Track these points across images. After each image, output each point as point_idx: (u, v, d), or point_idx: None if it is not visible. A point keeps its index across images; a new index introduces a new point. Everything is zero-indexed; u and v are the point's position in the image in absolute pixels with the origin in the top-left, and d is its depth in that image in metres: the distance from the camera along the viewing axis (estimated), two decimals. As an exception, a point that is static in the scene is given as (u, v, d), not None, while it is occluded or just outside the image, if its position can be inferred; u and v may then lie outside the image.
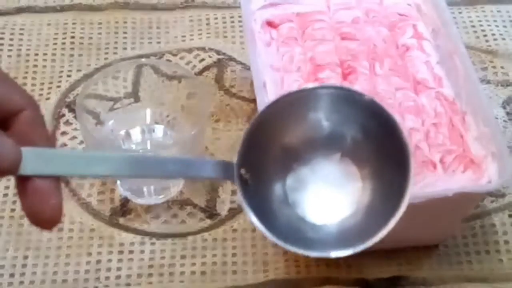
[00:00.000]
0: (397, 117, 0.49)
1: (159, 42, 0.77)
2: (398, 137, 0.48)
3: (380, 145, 0.49)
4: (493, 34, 0.78)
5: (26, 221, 0.63)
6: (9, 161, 0.42)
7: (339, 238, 0.49)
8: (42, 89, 0.73)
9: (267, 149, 0.50)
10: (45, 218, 0.43)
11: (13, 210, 0.65)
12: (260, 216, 0.47)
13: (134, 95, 0.67)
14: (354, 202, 0.50)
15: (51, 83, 0.74)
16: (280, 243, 0.47)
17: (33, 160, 0.43)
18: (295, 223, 0.50)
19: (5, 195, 0.66)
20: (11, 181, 0.66)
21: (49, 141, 0.45)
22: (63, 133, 0.70)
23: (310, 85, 0.50)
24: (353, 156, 0.50)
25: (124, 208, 0.65)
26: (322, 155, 0.51)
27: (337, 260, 0.61)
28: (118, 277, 0.61)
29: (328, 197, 0.51)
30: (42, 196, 0.43)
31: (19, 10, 0.80)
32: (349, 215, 0.50)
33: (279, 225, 0.49)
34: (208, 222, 0.64)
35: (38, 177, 0.43)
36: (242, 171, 0.48)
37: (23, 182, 0.43)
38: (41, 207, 0.43)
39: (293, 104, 0.50)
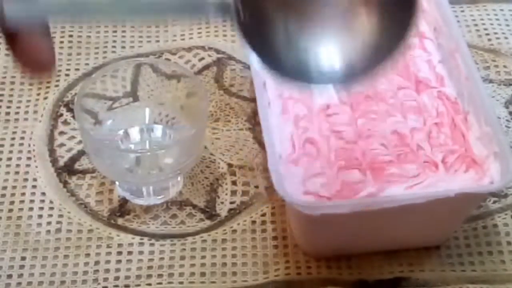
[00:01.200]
0: None
1: (158, 41, 0.77)
2: None
3: None
4: (496, 33, 0.78)
5: (23, 222, 0.63)
6: None
7: (345, 77, 0.48)
8: (40, 88, 0.73)
9: None
10: (41, 60, 0.42)
11: (10, 210, 0.64)
12: (263, 61, 0.46)
13: (133, 95, 0.67)
14: (361, 39, 0.48)
15: (49, 82, 0.73)
16: (284, 78, 0.46)
17: (16, 6, 0.42)
18: (299, 66, 0.48)
19: (3, 195, 0.65)
20: (8, 181, 0.66)
21: None
22: (61, 133, 0.69)
23: None
24: None
25: (123, 208, 0.65)
26: None
27: (338, 261, 0.60)
28: (116, 278, 0.60)
29: (333, 36, 0.49)
30: (33, 40, 0.42)
31: (17, 9, 0.79)
32: (357, 52, 0.48)
33: (282, 69, 0.47)
34: (208, 223, 0.64)
35: (24, 23, 0.42)
36: (240, 10, 0.46)
37: (11, 34, 0.42)
38: (35, 51, 0.42)
39: None
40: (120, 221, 0.64)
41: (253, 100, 0.69)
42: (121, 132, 0.66)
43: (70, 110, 0.71)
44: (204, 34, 0.77)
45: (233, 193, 0.65)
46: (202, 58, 0.75)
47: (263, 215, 0.64)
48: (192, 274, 0.61)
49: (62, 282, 0.60)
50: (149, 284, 0.60)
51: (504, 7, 0.80)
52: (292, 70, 0.47)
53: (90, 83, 0.64)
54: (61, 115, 0.71)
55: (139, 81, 0.67)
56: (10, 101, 0.72)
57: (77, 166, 0.67)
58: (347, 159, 0.59)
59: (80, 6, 0.43)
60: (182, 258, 0.62)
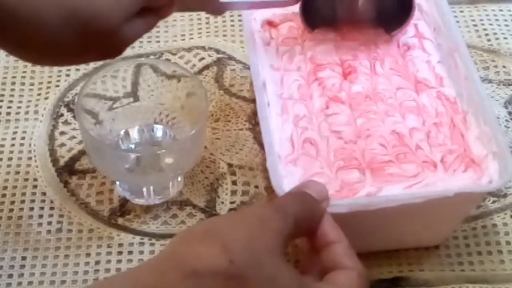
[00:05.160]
0: None
1: (158, 41, 0.77)
2: None
3: None
4: (495, 33, 0.78)
5: (24, 221, 0.63)
6: None
7: None
8: (40, 89, 0.73)
9: None
10: None
11: (11, 210, 0.64)
12: None
13: (133, 95, 0.67)
14: None
15: (49, 82, 0.74)
16: None
17: None
18: None
19: (3, 195, 0.65)
20: (9, 181, 0.66)
21: None
22: (62, 133, 0.70)
23: None
24: None
25: (123, 208, 0.65)
26: None
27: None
28: (117, 278, 0.61)
29: None
30: None
31: (18, 9, 0.80)
32: None
33: None
34: (208, 222, 0.64)
35: None
36: None
37: None
38: None
39: None
40: (120, 221, 0.64)
41: (253, 100, 0.70)
42: (121, 132, 0.66)
43: (71, 110, 0.71)
44: (204, 34, 0.78)
45: (233, 193, 0.66)
46: (202, 58, 0.75)
47: (263, 214, 0.64)
48: (192, 273, 0.61)
49: (63, 282, 0.60)
50: (149, 284, 0.60)
51: (503, 7, 0.80)
52: None
53: (90, 83, 0.65)
54: (62, 115, 0.71)
55: (140, 81, 0.67)
56: (10, 101, 0.72)
57: (77, 166, 0.67)
58: (346, 159, 0.59)
59: None
60: (182, 257, 0.62)
